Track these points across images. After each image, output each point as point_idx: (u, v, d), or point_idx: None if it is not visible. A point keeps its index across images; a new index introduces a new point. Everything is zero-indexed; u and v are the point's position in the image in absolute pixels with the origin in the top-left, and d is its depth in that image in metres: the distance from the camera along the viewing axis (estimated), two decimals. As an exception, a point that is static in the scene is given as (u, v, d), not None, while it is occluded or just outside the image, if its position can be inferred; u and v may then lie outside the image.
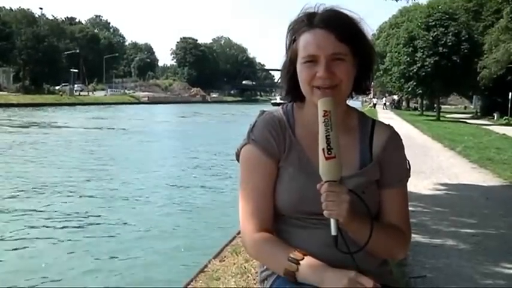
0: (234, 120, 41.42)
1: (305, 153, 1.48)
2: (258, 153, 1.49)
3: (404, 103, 67.69)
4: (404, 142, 1.59)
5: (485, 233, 5.81)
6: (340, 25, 1.40)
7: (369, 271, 1.36)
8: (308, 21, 1.43)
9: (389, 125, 1.59)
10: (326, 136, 1.33)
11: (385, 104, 66.13)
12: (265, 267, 1.54)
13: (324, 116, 1.34)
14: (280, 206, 1.48)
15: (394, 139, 1.55)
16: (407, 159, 1.58)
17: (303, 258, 1.37)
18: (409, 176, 1.57)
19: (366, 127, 1.55)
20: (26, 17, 79.51)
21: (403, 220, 1.54)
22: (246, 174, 1.51)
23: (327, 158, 1.32)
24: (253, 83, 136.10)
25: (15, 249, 7.95)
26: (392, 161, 1.53)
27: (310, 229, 1.46)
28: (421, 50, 36.21)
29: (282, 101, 1.61)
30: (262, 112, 1.57)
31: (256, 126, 1.52)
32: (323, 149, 1.32)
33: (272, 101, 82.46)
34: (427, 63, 35.85)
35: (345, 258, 1.34)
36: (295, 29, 1.46)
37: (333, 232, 1.31)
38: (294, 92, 1.50)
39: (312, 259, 1.37)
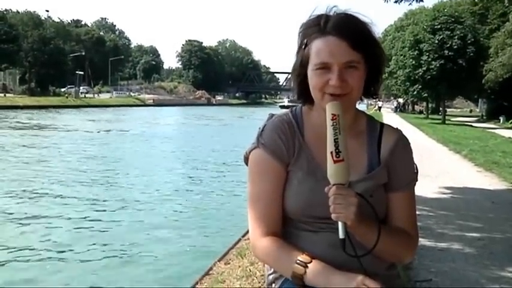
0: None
1: (314, 157, 1.48)
2: (267, 157, 1.48)
3: (409, 106, 67.50)
4: (411, 147, 1.59)
5: (491, 237, 5.79)
6: (353, 32, 1.39)
7: (376, 274, 1.36)
8: (320, 26, 1.41)
9: (397, 128, 1.59)
10: (334, 139, 1.33)
11: (396, 107, 65.06)
12: (272, 270, 1.54)
13: (332, 119, 1.35)
14: (288, 209, 1.48)
15: (402, 142, 1.55)
16: (415, 163, 1.58)
17: (311, 262, 1.38)
18: (417, 180, 1.57)
19: (374, 131, 1.55)
20: (32, 20, 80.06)
21: (410, 224, 1.54)
22: (255, 178, 1.51)
23: (335, 161, 1.32)
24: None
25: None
26: (400, 165, 1.53)
27: (319, 233, 1.46)
28: (427, 53, 36.15)
29: (290, 104, 1.61)
30: (271, 116, 1.57)
31: (265, 130, 1.51)
32: (331, 152, 1.33)
33: (280, 104, 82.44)
34: (432, 66, 35.79)
35: (352, 262, 1.34)
36: (307, 33, 1.44)
37: (341, 235, 1.32)
38: (304, 95, 1.50)
39: (319, 262, 1.38)
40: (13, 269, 7.24)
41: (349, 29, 1.39)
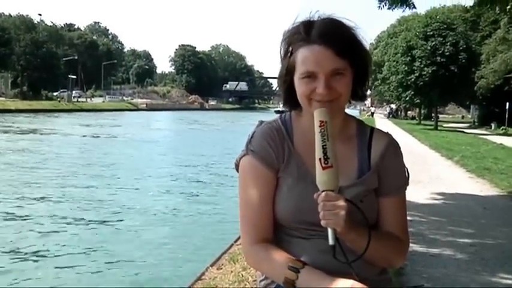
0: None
1: (304, 163, 1.48)
2: (257, 164, 1.48)
3: (402, 112, 67.82)
4: (401, 151, 1.59)
5: (483, 242, 5.81)
6: (338, 39, 1.38)
7: (368, 279, 1.36)
8: (305, 34, 1.40)
9: (387, 132, 1.59)
10: (322, 146, 1.33)
11: (389, 113, 64.93)
12: (264, 276, 1.53)
13: (320, 126, 1.35)
14: (279, 216, 1.48)
15: (392, 147, 1.55)
16: (406, 167, 1.58)
17: (303, 267, 1.37)
18: (408, 184, 1.57)
19: (364, 135, 1.55)
20: (25, 23, 79.72)
21: (401, 228, 1.53)
22: (245, 185, 1.51)
23: (323, 168, 1.32)
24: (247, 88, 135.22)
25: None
26: (390, 169, 1.52)
27: (310, 239, 1.46)
28: (419, 60, 36.37)
29: (285, 109, 1.60)
30: (261, 122, 1.57)
31: (255, 137, 1.51)
32: (320, 159, 1.33)
33: (275, 109, 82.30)
34: (425, 72, 36.00)
35: (344, 267, 1.34)
36: (292, 41, 1.43)
37: (331, 242, 1.31)
38: (292, 101, 1.50)
39: (311, 268, 1.37)
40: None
41: (334, 36, 1.38)
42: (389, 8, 9.43)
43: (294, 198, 1.46)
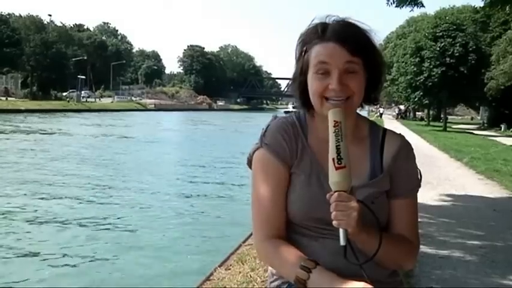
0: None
1: (317, 161, 1.47)
2: (270, 157, 1.48)
3: (411, 113, 67.52)
4: (414, 153, 1.58)
5: (493, 245, 5.77)
6: (352, 38, 1.39)
7: (379, 281, 1.36)
8: (320, 33, 1.41)
9: (400, 134, 1.58)
10: (336, 146, 1.33)
11: (397, 114, 64.63)
12: (274, 277, 1.53)
13: (334, 126, 1.35)
14: (290, 213, 1.48)
15: (405, 149, 1.54)
16: (419, 168, 1.57)
17: (315, 267, 1.37)
18: (420, 186, 1.56)
19: (377, 137, 1.54)
20: (35, 24, 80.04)
21: (412, 231, 1.53)
22: (258, 179, 1.50)
23: (337, 168, 1.32)
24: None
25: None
26: (402, 171, 1.52)
27: (320, 239, 1.45)
28: (428, 61, 36.23)
29: (294, 110, 1.60)
30: (275, 117, 1.57)
31: (269, 130, 1.51)
32: (333, 159, 1.32)
33: (284, 110, 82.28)
34: (434, 73, 35.87)
35: (355, 269, 1.34)
36: (306, 41, 1.44)
37: (342, 242, 1.31)
38: (308, 104, 1.49)
39: (323, 269, 1.37)
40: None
41: (348, 34, 1.39)
42: (397, 6, 9.43)
43: (306, 196, 1.45)
